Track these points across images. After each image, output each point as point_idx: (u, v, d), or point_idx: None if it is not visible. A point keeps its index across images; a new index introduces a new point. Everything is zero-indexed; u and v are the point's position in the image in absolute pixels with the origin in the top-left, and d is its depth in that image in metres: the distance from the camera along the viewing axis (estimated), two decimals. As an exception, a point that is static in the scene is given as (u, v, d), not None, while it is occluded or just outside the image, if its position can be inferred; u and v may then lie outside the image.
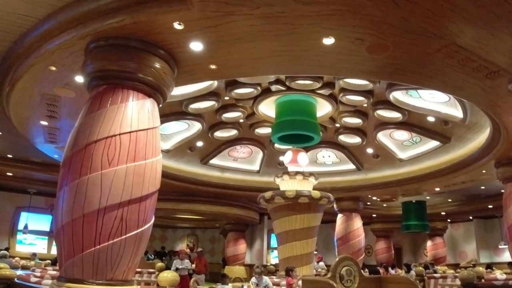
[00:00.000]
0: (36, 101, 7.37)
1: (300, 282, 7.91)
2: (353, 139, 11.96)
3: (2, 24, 5.59)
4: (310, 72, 6.90)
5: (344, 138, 12.03)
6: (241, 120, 10.96)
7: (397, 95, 9.00)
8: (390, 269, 14.96)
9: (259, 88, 9.03)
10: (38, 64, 5.91)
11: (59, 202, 4.72)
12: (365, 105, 9.73)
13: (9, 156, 12.46)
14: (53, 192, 15.65)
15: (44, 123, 8.48)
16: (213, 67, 5.81)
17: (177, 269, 10.06)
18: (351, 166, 13.62)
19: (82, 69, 5.44)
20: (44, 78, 6.37)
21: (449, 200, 16.73)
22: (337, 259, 6.16)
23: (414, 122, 10.41)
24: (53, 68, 6.01)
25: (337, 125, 11.21)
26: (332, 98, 9.51)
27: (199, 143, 12.16)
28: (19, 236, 16.02)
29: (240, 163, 13.90)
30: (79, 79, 6.15)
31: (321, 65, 5.91)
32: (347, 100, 9.48)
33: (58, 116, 8.04)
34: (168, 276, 6.08)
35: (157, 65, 5.28)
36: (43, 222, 16.39)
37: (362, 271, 6.56)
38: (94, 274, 4.50)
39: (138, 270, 9.27)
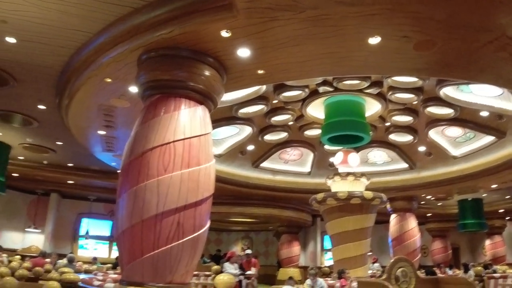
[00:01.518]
0: (94, 112, 7.75)
1: (354, 284, 7.83)
2: (404, 138, 11.70)
3: (58, 40, 5.92)
4: (356, 72, 6.86)
5: (394, 137, 11.79)
6: (290, 123, 11.01)
7: (448, 91, 8.75)
8: (447, 269, 14.46)
9: (306, 90, 9.05)
10: (94, 76, 6.22)
11: (119, 208, 4.94)
12: (415, 102, 9.53)
13: (70, 165, 13.13)
14: (111, 198, 16.32)
15: (102, 132, 8.88)
16: (260, 72, 5.89)
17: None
18: (403, 165, 13.32)
19: (135, 80, 5.67)
20: (100, 89, 6.69)
21: (507, 196, 15.92)
22: (392, 260, 6.07)
23: (466, 117, 10.06)
24: (109, 80, 6.30)
25: (387, 124, 11.02)
26: (380, 96, 9.38)
27: (250, 147, 12.30)
28: (81, 241, 16.88)
29: (291, 166, 13.93)
30: (133, 89, 6.42)
31: (367, 65, 5.86)
32: (396, 98, 9.31)
33: (115, 126, 8.41)
34: (225, 278, 6.20)
35: (207, 73, 5.43)
36: (103, 227, 17.14)
37: (417, 272, 6.42)
38: (154, 277, 4.68)
39: (195, 273, 9.48)
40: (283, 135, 11.77)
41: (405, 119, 10.50)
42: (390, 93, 9.03)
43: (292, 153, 13.25)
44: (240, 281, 9.17)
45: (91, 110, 7.66)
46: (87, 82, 6.44)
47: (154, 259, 4.64)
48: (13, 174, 13.47)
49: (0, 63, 6.76)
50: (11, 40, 5.94)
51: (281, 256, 18.47)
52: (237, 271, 9.12)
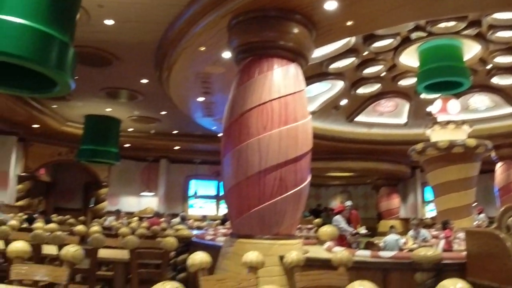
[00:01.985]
0: (192, 81, 8.18)
1: (460, 235, 7.64)
2: (509, 80, 10.80)
3: (152, 17, 6.31)
4: (452, 13, 6.42)
5: (497, 80, 10.91)
6: (383, 74, 10.67)
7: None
8: None
9: (398, 38, 8.69)
10: (189, 47, 6.55)
11: (224, 168, 5.29)
12: (520, 40, 8.72)
13: (175, 132, 14.04)
14: (215, 160, 17.19)
15: (201, 99, 9.36)
16: (349, 23, 5.79)
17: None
18: (509, 109, 12.36)
19: (227, 45, 5.89)
20: (195, 58, 7.04)
21: None
22: (502, 209, 5.79)
23: None
24: (202, 49, 6.60)
25: (489, 66, 10.20)
26: (480, 37, 8.69)
27: (343, 102, 12.18)
28: (190, 201, 18.19)
29: (386, 117, 13.57)
30: (227, 55, 6.67)
31: (464, 3, 5.48)
32: (498, 37, 8.55)
33: (212, 92, 8.81)
34: (328, 230, 6.37)
35: (296, 30, 5.47)
36: (209, 187, 18.27)
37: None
38: (261, 229, 4.97)
39: (298, 226, 9.76)
40: (376, 87, 11.46)
41: (509, 59, 9.67)
42: (490, 32, 8.33)
43: (386, 104, 12.89)
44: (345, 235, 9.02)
45: (189, 79, 8.08)
46: (183, 53, 6.80)
47: (261, 213, 4.92)
48: (125, 145, 14.83)
49: (103, 45, 7.37)
50: (109, 22, 6.44)
51: (381, 209, 18.37)
52: (352, 230, 9.03)
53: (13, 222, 6.84)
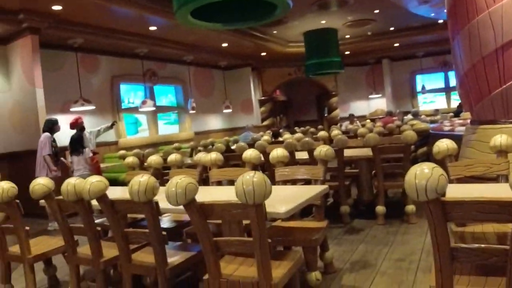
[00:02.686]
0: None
1: None
2: None
3: None
4: None
5: None
6: None
7: None
8: None
9: None
10: None
11: (455, 52, 5.01)
12: None
13: (392, 29, 13.54)
14: (439, 50, 16.03)
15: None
16: None
17: None
18: None
19: None
20: None
21: None
22: None
23: None
24: None
25: None
26: None
27: None
28: (419, 97, 17.64)
29: None
30: None
31: None
32: None
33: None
34: None
35: None
36: (436, 80, 17.29)
37: None
38: (505, 113, 4.63)
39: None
40: None
41: None
42: None
43: None
44: None
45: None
46: None
47: (503, 95, 4.56)
48: (346, 53, 15.09)
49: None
50: None
51: None
52: None
53: (266, 137, 7.96)
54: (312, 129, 10.58)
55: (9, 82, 8.26)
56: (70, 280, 3.38)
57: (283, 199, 2.84)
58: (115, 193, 2.87)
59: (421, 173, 1.66)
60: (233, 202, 2.26)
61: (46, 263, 4.06)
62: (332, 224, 4.30)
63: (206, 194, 2.40)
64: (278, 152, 3.98)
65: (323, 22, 11.70)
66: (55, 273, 4.17)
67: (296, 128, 12.47)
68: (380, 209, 5.24)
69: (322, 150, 3.74)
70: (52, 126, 7.00)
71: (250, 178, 2.13)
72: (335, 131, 7.53)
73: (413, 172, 1.68)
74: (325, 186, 3.35)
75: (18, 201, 3.48)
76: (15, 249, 3.68)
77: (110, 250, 3.25)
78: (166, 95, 13.34)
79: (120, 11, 8.10)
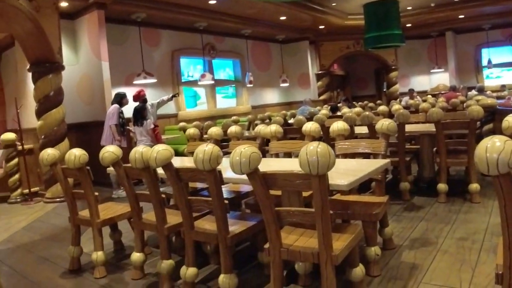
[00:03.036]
0: None
1: None
2: None
3: None
4: None
5: None
6: None
7: None
8: None
9: None
10: None
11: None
12: None
13: (456, 0, 12.82)
14: (507, 22, 15.19)
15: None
16: None
17: None
18: None
19: None
20: None
21: None
22: None
23: None
24: None
25: None
26: None
27: None
28: (485, 72, 16.72)
29: None
30: None
31: None
32: None
33: None
34: None
35: None
36: (504, 54, 16.28)
37: None
38: None
39: None
40: None
41: None
42: None
43: None
44: None
45: None
46: None
47: None
48: (407, 25, 14.48)
49: None
50: None
51: None
52: None
53: (324, 111, 7.87)
54: (370, 104, 10.34)
55: (77, 55, 8.64)
56: (135, 244, 3.56)
57: (343, 172, 2.82)
58: (175, 163, 2.97)
59: (493, 146, 1.58)
60: (296, 172, 2.28)
61: (112, 228, 4.30)
62: (391, 201, 4.22)
63: (265, 166, 2.43)
64: (338, 125, 3.95)
65: (385, -7, 11.30)
66: (120, 238, 4.41)
67: (353, 103, 12.25)
68: (442, 186, 5.08)
69: (384, 123, 3.67)
70: (120, 99, 7.35)
71: (314, 148, 2.13)
72: (396, 106, 7.32)
73: (484, 145, 1.61)
74: (386, 160, 3.29)
75: (88, 167, 3.69)
76: (84, 213, 3.92)
77: (173, 217, 3.38)
78: (224, 69, 13.46)
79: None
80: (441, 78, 16.90)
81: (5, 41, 8.63)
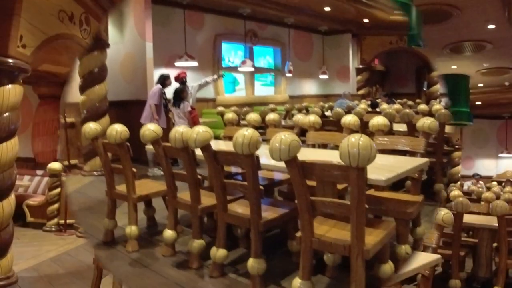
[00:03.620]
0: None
1: None
2: None
3: None
4: None
5: None
6: None
7: None
8: None
9: None
10: None
11: None
12: None
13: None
14: None
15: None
16: None
17: None
18: None
19: None
20: None
21: None
22: None
23: None
24: None
25: None
26: None
27: None
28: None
29: None
30: None
31: None
32: None
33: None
34: None
35: None
36: None
37: None
38: None
39: None
40: None
41: None
42: None
43: None
44: None
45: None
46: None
47: None
48: (476, 103, 13.69)
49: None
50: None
51: None
52: None
53: (363, 106, 7.77)
54: (410, 102, 10.12)
55: (122, 34, 8.81)
56: (168, 222, 3.64)
57: (380, 167, 2.80)
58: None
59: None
60: (335, 163, 2.28)
61: (147, 204, 4.39)
62: (425, 201, 4.13)
63: (301, 155, 2.44)
64: (379, 120, 3.91)
65: (454, 67, 10.80)
66: (153, 215, 4.50)
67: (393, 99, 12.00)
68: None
69: (425, 122, 3.61)
70: (163, 80, 7.48)
71: (356, 140, 2.12)
72: (436, 106, 7.13)
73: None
74: (425, 159, 3.25)
75: (128, 144, 3.79)
76: (121, 188, 4.03)
77: (207, 199, 3.44)
78: (265, 57, 13.42)
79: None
80: (510, 164, 15.67)
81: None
